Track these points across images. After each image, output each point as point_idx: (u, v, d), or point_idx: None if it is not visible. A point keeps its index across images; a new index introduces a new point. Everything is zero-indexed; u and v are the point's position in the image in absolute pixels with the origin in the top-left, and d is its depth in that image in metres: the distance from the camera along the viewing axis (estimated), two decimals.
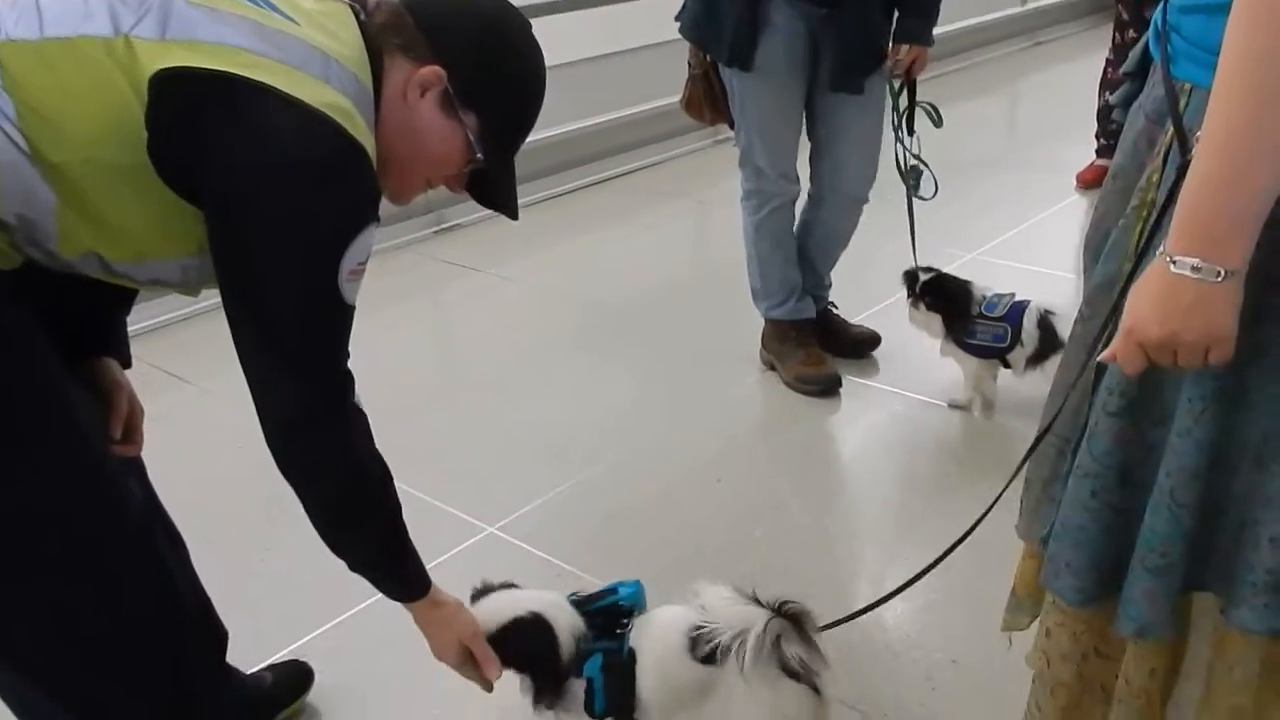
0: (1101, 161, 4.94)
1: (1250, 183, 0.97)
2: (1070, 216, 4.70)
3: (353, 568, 1.54)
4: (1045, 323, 2.88)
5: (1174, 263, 1.01)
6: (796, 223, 3.24)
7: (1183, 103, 1.11)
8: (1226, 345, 1.04)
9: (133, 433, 1.60)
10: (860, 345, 3.40)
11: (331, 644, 2.26)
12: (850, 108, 2.98)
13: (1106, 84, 4.74)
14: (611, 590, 1.75)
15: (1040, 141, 5.82)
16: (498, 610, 1.69)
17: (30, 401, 1.30)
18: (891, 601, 1.69)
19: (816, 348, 3.29)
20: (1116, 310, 1.20)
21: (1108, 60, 4.73)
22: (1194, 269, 1.00)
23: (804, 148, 3.16)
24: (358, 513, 1.48)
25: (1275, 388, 1.10)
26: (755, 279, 3.29)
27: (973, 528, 1.45)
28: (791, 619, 1.61)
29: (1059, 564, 1.27)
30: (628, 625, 1.70)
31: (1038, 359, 2.90)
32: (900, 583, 1.62)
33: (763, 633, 1.58)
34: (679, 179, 5.34)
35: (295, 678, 2.10)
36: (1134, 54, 1.31)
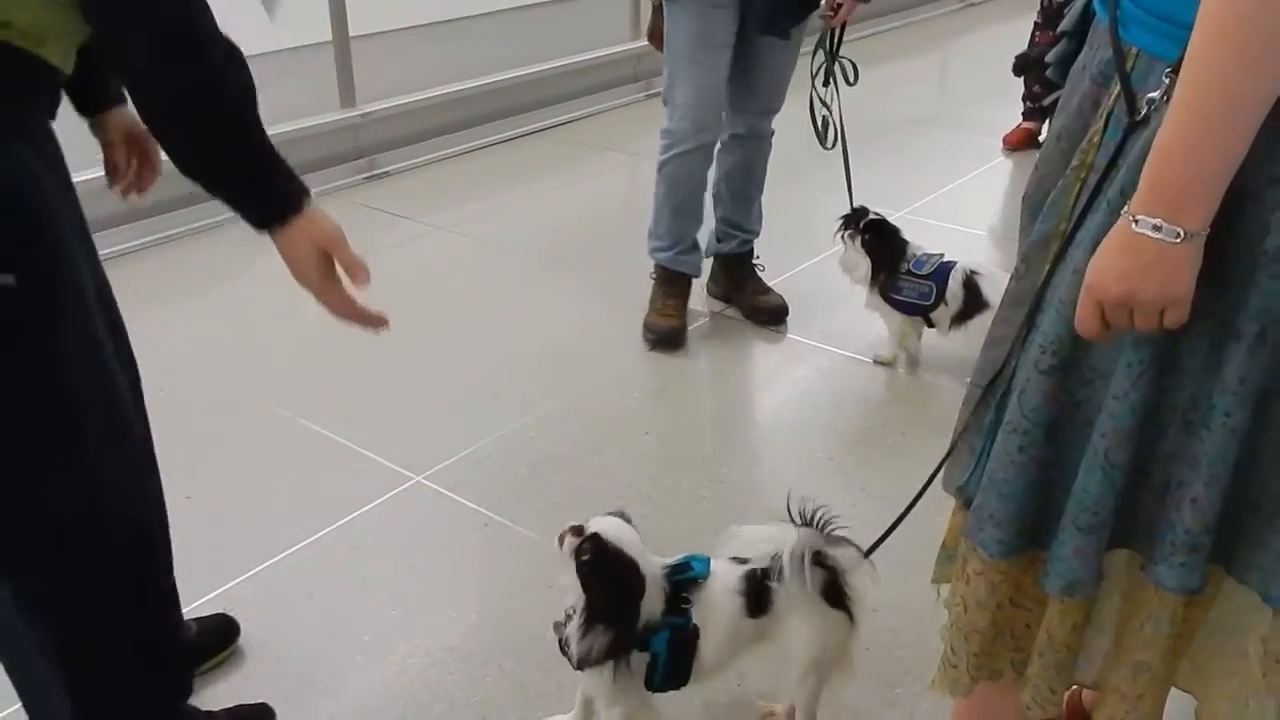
0: (1027, 124, 5.01)
1: (1218, 147, 0.98)
2: (996, 178, 4.77)
3: (210, 185, 1.34)
4: (970, 283, 2.93)
5: (1136, 221, 1.03)
6: (713, 164, 3.19)
7: (1129, 64, 1.12)
8: (1182, 306, 1.05)
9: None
10: (763, 313, 3.37)
11: (251, 592, 2.24)
12: (770, 48, 2.99)
13: (1032, 47, 4.78)
14: (686, 565, 1.72)
15: (969, 103, 5.88)
16: (618, 533, 1.64)
17: (55, 306, 1.31)
18: None
19: (678, 301, 3.27)
20: (1053, 270, 1.21)
21: (1036, 24, 4.78)
22: (1155, 229, 1.01)
23: None
24: (201, 99, 1.29)
25: (1204, 353, 1.12)
26: (651, 217, 3.26)
27: (931, 478, 1.46)
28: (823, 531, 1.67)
29: (983, 516, 1.29)
30: (690, 601, 1.69)
31: (962, 318, 2.95)
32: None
33: (796, 547, 1.62)
34: (609, 131, 5.30)
35: (220, 629, 2.08)
36: (1073, 13, 1.32)
